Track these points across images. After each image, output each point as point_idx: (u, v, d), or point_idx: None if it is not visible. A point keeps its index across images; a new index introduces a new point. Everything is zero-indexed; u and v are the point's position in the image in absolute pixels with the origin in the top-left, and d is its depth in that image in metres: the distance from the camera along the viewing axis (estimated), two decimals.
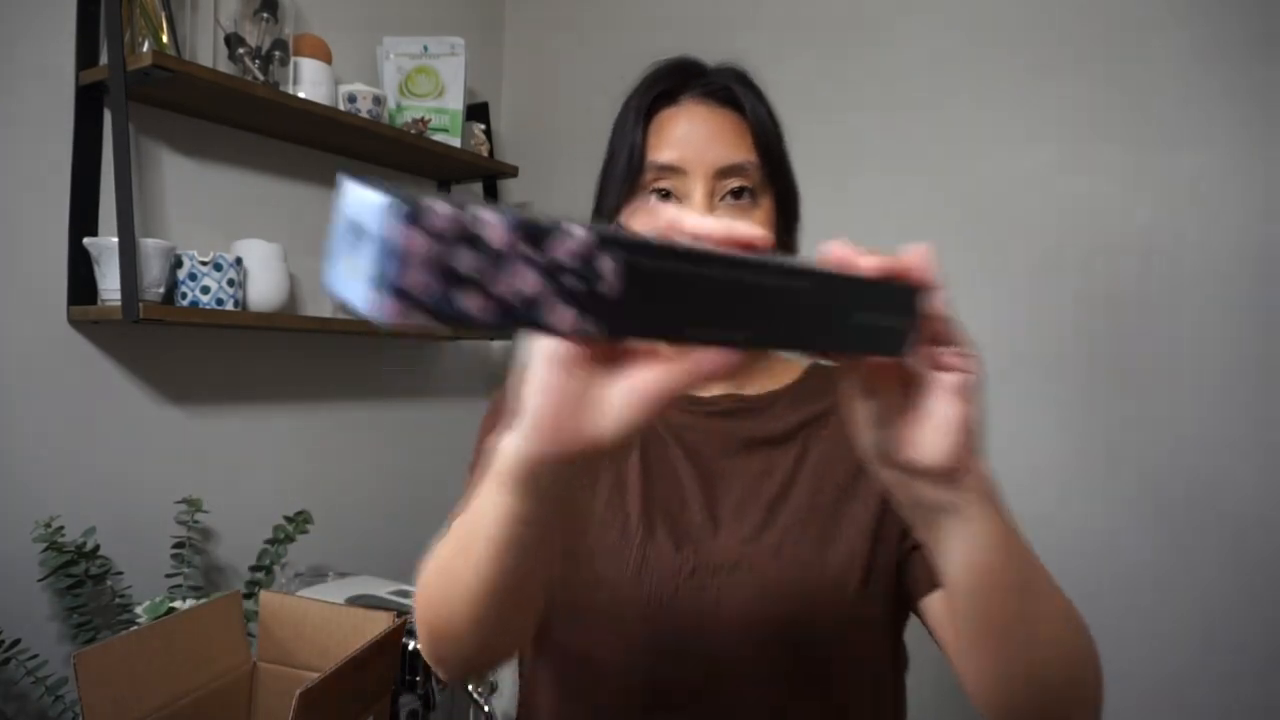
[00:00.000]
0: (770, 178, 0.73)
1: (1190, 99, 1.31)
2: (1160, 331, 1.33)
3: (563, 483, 0.39)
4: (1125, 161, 1.36)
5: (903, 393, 0.41)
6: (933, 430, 0.40)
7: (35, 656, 1.22)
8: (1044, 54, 1.43)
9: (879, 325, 0.37)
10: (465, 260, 0.27)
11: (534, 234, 0.28)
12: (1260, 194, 1.26)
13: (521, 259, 0.28)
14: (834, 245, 0.37)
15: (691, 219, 0.34)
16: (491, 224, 0.27)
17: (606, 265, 0.29)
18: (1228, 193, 1.28)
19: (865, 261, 0.36)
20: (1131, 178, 1.35)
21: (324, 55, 1.62)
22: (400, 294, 0.26)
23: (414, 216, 0.26)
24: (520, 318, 0.28)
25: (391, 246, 0.25)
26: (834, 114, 1.63)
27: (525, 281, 0.28)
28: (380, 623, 1.04)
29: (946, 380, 0.40)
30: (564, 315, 0.29)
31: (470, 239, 0.27)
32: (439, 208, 0.26)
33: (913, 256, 0.38)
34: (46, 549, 1.26)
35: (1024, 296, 1.44)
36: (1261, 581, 1.23)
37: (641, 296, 0.30)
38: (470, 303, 0.27)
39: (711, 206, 0.69)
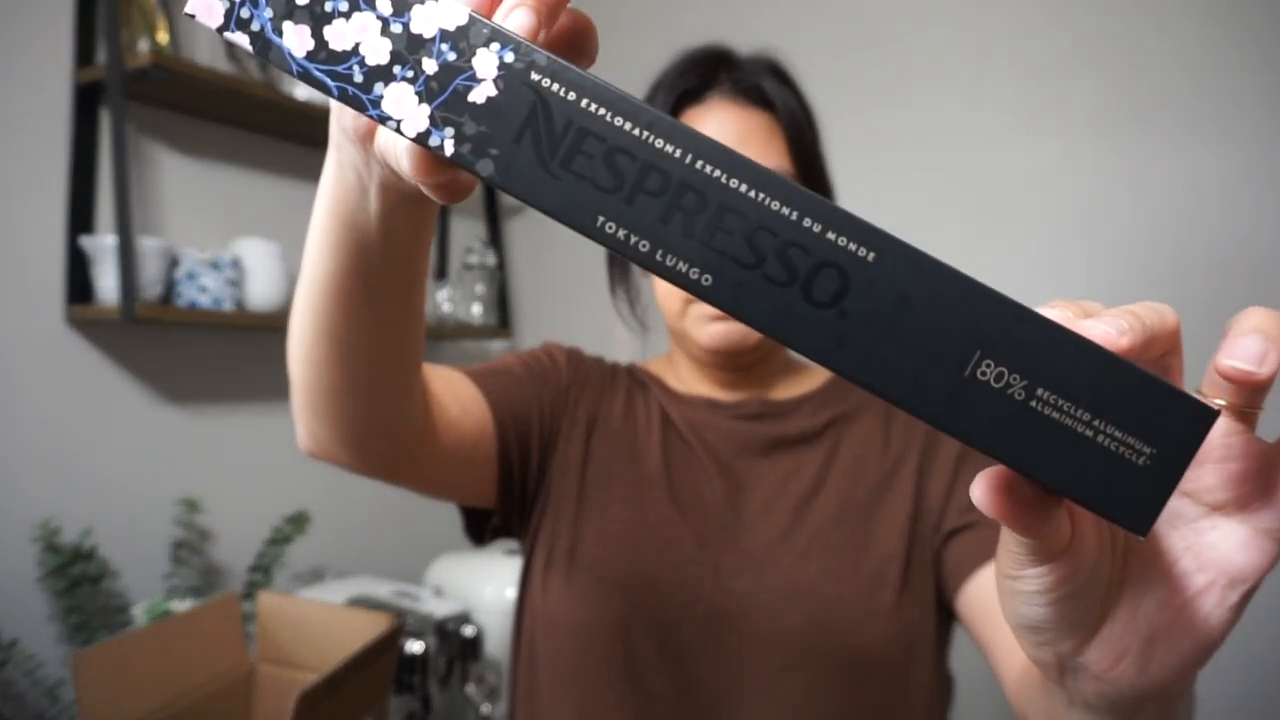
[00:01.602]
0: (804, 183, 0.67)
1: (1201, 98, 1.31)
2: None
3: (351, 166, 0.36)
4: (1131, 160, 1.36)
5: (1111, 555, 0.26)
6: (1170, 648, 0.26)
7: (32, 657, 1.22)
8: (1053, 51, 1.43)
9: (1080, 432, 0.21)
10: None
11: None
12: (1272, 195, 1.26)
13: (374, 13, 0.23)
14: (1048, 308, 0.23)
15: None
16: None
17: (486, 63, 0.22)
18: (1237, 193, 1.28)
19: (1104, 332, 0.22)
20: (1136, 176, 1.35)
21: None
22: None
23: None
24: (352, 92, 0.23)
25: None
26: (836, 111, 1.62)
27: (370, 44, 0.23)
28: (380, 623, 1.03)
29: (1228, 574, 0.25)
30: (411, 110, 0.23)
31: None
32: None
33: (1244, 342, 0.23)
34: (44, 549, 1.25)
35: (1026, 296, 1.44)
36: None
37: (528, 133, 0.22)
38: (294, 39, 0.23)
39: None
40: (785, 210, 0.21)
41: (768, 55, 0.72)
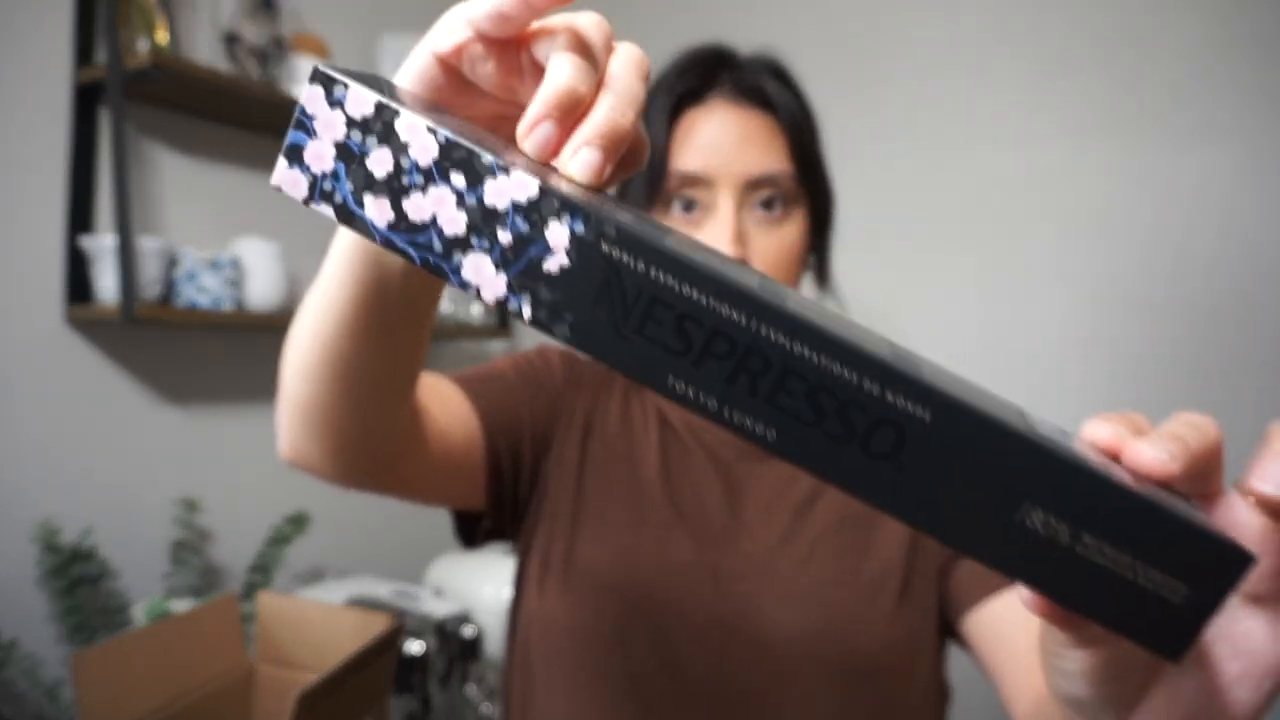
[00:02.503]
0: (804, 185, 0.68)
1: (1205, 98, 1.30)
2: (1166, 331, 1.33)
3: None
4: (1134, 160, 1.36)
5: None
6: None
7: (32, 656, 1.21)
8: (1057, 51, 1.43)
9: (1121, 574, 0.22)
10: (380, 161, 0.24)
11: (468, 167, 0.24)
12: (1276, 194, 1.26)
13: (449, 187, 0.24)
14: (1097, 426, 0.24)
15: None
16: (417, 136, 0.24)
17: (558, 235, 0.23)
18: (1241, 192, 1.28)
19: (1154, 458, 0.23)
20: (1140, 176, 1.35)
21: (322, 53, 1.62)
22: (303, 169, 0.24)
23: (331, 90, 0.24)
24: (433, 261, 0.24)
25: (304, 115, 0.24)
26: (837, 111, 1.62)
27: (447, 216, 0.24)
28: (379, 623, 1.03)
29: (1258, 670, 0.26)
30: (489, 278, 0.24)
31: (392, 141, 0.24)
32: (361, 95, 0.24)
33: (1273, 467, 0.24)
34: (44, 550, 1.25)
35: (1028, 297, 1.44)
36: None
37: (601, 300, 0.23)
38: (375, 211, 0.24)
39: (739, 219, 0.64)
40: (845, 373, 0.22)
41: (768, 55, 0.71)
